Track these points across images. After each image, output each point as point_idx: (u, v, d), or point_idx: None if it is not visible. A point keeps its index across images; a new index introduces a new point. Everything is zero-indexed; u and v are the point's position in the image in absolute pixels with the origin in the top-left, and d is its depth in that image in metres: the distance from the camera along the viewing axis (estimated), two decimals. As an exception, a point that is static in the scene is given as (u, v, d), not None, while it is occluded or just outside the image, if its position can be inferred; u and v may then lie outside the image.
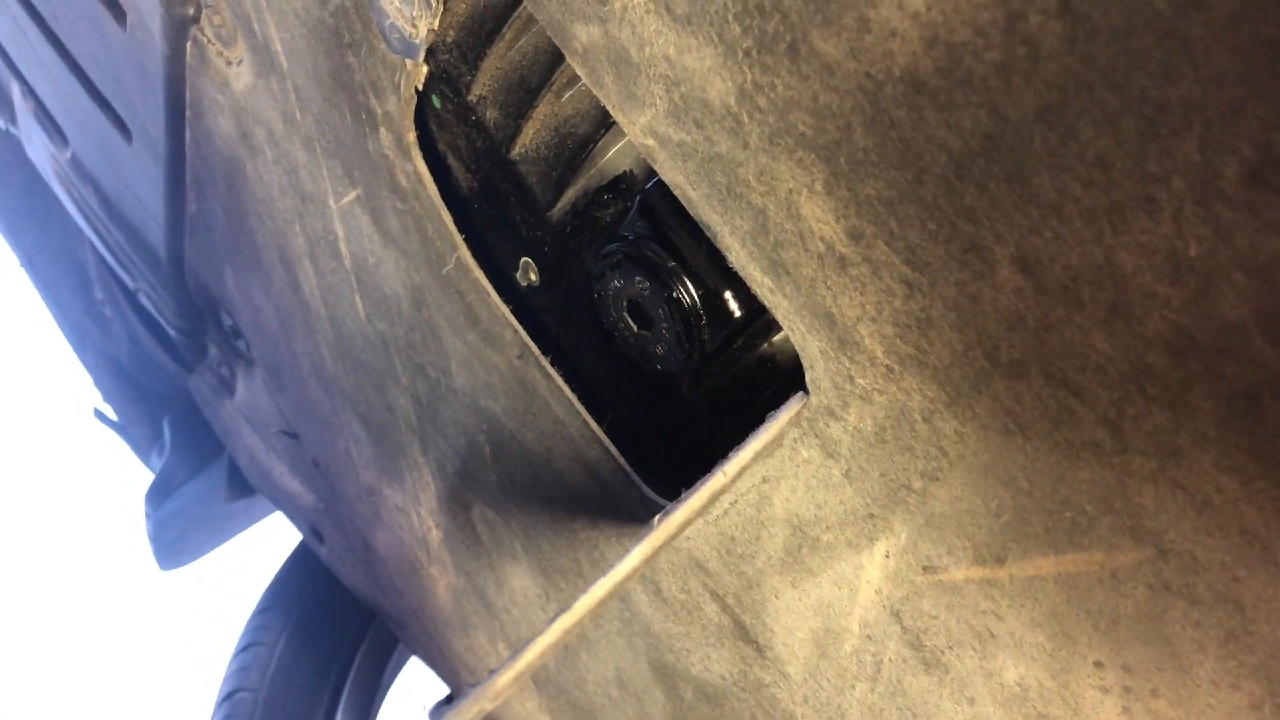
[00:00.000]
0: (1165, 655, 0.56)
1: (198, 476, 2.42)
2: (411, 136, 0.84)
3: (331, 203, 1.01)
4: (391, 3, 0.74)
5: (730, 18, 0.52)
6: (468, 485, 1.16)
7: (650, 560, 0.67)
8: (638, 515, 0.90)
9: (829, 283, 0.58)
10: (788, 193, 0.56)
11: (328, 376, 1.31)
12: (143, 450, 2.61)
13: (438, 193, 0.87)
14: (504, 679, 0.59)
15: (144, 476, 2.55)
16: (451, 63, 0.83)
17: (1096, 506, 0.54)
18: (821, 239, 0.56)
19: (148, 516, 2.44)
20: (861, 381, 0.61)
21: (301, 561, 2.38)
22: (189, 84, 1.11)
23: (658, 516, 0.69)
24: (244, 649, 2.23)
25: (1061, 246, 0.47)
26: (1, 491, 6.25)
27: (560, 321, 0.95)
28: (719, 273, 0.78)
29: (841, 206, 0.54)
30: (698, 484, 0.70)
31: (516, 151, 0.86)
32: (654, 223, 0.80)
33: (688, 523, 0.69)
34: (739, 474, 0.70)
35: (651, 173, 0.86)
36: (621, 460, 0.87)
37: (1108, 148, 0.43)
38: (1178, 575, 0.53)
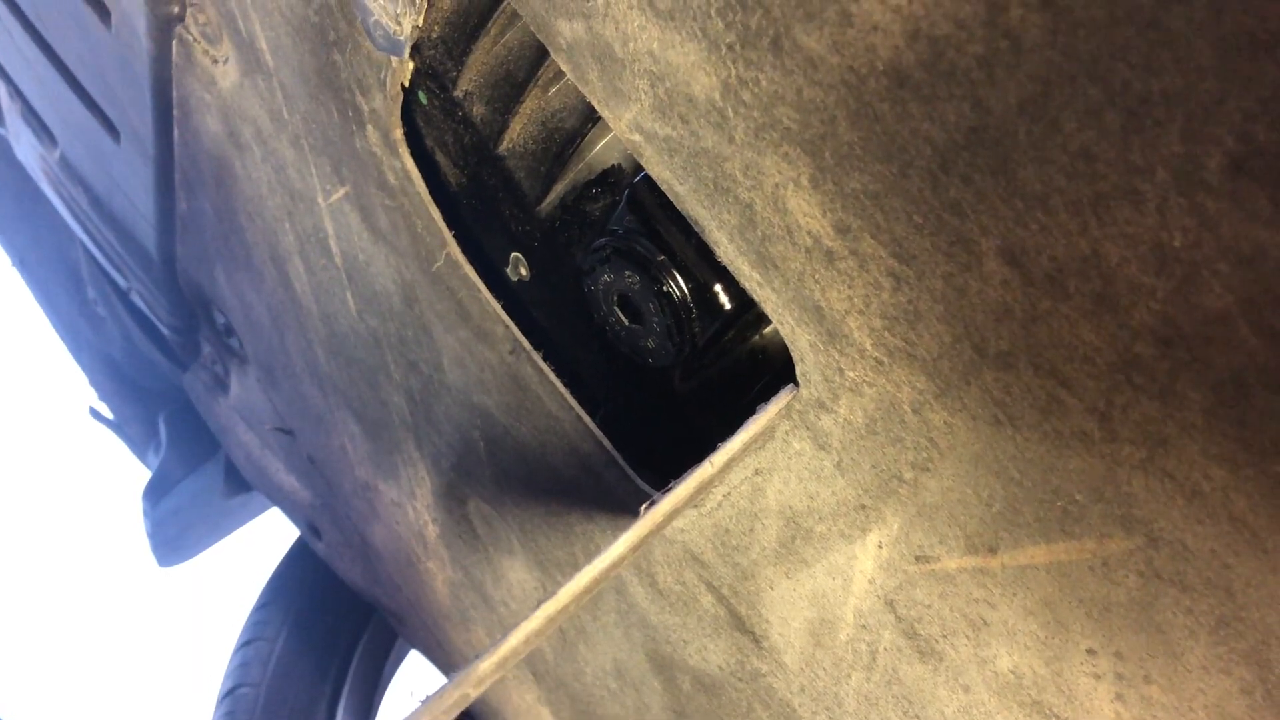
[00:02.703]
0: (1157, 642, 0.57)
1: (194, 473, 2.42)
2: (399, 133, 0.84)
3: (320, 200, 1.01)
4: (376, 0, 0.74)
5: (713, 13, 0.52)
6: (463, 480, 1.16)
7: (638, 549, 0.68)
8: (632, 508, 0.90)
9: (817, 276, 0.58)
10: (774, 187, 0.56)
11: (321, 373, 1.31)
12: (139, 448, 2.61)
13: (426, 189, 0.86)
14: (487, 664, 0.59)
15: (141, 474, 2.55)
16: (437, 59, 0.83)
17: (1087, 495, 0.54)
18: (808, 233, 0.56)
19: (145, 514, 2.44)
20: (851, 374, 0.61)
21: (300, 557, 2.39)
22: (175, 83, 1.11)
23: (644, 505, 0.69)
24: (244, 645, 2.23)
25: (1047, 238, 0.47)
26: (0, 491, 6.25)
27: (551, 316, 0.95)
28: (708, 266, 0.78)
29: (828, 200, 0.54)
30: (685, 474, 0.70)
31: (504, 146, 0.86)
32: (643, 217, 0.80)
33: (675, 512, 0.69)
34: (727, 464, 0.70)
35: (639, 166, 0.86)
36: (615, 453, 0.87)
37: (1091, 140, 0.43)
38: (1168, 563, 0.53)
